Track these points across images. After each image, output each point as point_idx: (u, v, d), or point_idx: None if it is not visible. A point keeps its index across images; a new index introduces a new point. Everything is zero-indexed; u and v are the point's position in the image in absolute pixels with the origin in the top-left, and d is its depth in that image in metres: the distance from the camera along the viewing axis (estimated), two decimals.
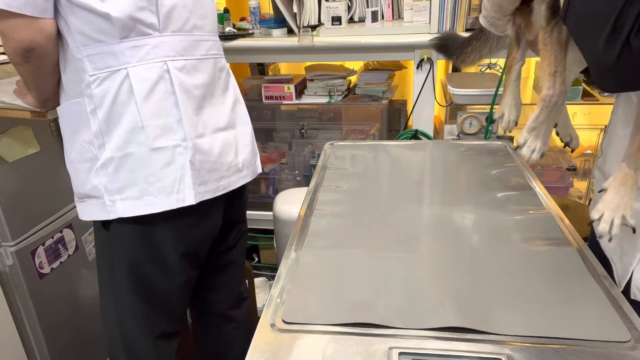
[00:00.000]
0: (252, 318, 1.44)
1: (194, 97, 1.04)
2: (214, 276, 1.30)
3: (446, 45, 1.29)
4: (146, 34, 0.97)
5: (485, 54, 1.14)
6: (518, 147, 0.90)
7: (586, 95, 1.93)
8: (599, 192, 0.78)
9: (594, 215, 0.75)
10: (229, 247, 1.30)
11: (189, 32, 1.04)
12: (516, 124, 1.11)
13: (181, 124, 1.01)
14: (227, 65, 1.19)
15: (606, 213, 0.74)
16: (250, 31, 2.14)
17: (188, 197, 1.03)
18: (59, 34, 0.96)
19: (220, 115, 1.11)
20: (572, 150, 0.98)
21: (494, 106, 1.79)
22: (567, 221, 0.91)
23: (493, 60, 2.16)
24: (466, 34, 1.15)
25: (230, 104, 1.16)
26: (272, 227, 2.00)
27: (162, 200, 1.01)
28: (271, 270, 2.42)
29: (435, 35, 1.37)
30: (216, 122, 1.09)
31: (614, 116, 0.91)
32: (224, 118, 1.12)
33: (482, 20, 1.06)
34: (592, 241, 0.90)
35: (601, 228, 0.74)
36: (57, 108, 1.07)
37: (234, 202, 1.21)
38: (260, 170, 1.26)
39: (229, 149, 1.12)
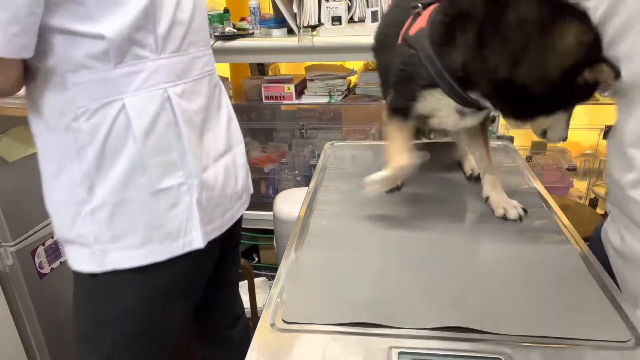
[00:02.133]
0: (248, 333, 1.42)
1: (196, 125, 0.95)
2: (210, 299, 1.24)
3: None
4: (143, 57, 0.84)
5: None
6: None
7: None
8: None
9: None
10: (226, 269, 1.24)
11: (185, 51, 0.93)
12: None
13: (185, 159, 0.90)
14: (218, 78, 1.10)
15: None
16: (250, 31, 2.14)
17: (196, 240, 0.94)
18: (42, 59, 0.81)
19: (218, 139, 1.04)
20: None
21: None
22: (567, 221, 0.91)
23: None
24: None
25: (225, 122, 1.08)
26: (272, 227, 2.00)
27: (168, 246, 0.91)
28: (271, 270, 2.42)
29: None
30: (216, 148, 1.02)
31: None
32: (222, 141, 1.05)
33: None
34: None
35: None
36: (37, 142, 0.91)
37: (233, 228, 1.12)
38: (252, 191, 1.19)
39: (230, 176, 1.06)
